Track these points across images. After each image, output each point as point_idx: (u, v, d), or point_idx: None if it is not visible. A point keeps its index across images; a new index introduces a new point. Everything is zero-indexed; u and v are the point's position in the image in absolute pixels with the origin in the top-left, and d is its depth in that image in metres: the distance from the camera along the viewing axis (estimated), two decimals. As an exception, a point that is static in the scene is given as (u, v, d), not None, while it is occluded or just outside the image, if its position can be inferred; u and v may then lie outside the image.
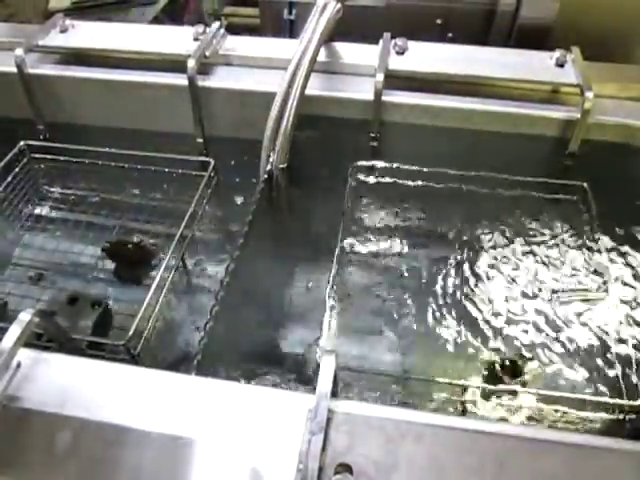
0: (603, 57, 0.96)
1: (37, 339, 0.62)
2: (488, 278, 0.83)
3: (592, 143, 0.90)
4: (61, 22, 1.01)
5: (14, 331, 0.51)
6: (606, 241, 0.85)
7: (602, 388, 0.71)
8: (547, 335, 0.76)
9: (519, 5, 1.20)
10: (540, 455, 0.47)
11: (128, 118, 1.02)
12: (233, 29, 1.04)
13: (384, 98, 0.90)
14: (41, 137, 1.03)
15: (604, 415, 0.66)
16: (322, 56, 0.96)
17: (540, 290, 0.81)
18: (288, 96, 0.84)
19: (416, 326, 0.78)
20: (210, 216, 0.91)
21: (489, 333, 0.77)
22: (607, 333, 0.75)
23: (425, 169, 0.91)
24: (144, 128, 1.02)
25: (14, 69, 0.96)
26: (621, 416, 0.65)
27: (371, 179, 0.94)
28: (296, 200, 0.95)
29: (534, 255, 0.86)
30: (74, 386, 0.52)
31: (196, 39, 0.97)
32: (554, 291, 0.81)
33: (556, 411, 0.67)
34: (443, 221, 0.91)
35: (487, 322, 0.78)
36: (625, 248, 0.85)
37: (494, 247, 0.87)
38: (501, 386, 0.69)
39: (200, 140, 0.99)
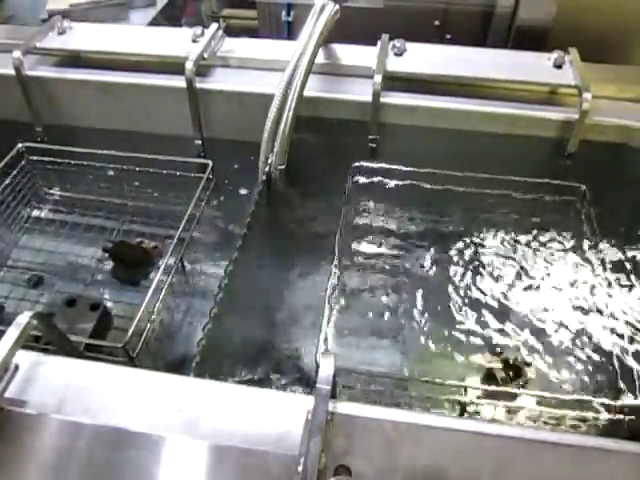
0: (601, 58, 0.96)
1: (35, 341, 0.62)
2: (487, 279, 0.83)
3: (590, 144, 0.90)
4: (59, 24, 1.01)
5: (12, 333, 0.51)
6: (604, 241, 0.85)
7: (601, 388, 0.71)
8: (547, 336, 0.76)
9: (517, 6, 1.20)
10: (540, 456, 0.47)
11: (126, 120, 1.02)
12: (231, 31, 1.05)
13: (382, 99, 0.90)
14: (39, 139, 1.02)
15: (603, 416, 0.66)
16: (320, 57, 0.96)
17: (539, 291, 0.82)
18: (286, 97, 0.84)
19: (416, 327, 0.78)
20: (208, 217, 0.91)
21: (489, 334, 0.77)
22: (606, 334, 0.75)
23: (423, 170, 0.91)
24: (142, 130, 1.02)
25: (12, 71, 0.96)
26: (620, 417, 0.65)
27: (370, 180, 0.94)
28: (295, 201, 0.95)
29: (533, 256, 0.86)
30: (72, 388, 0.52)
31: (194, 41, 0.97)
32: (552, 292, 0.81)
33: (555, 412, 0.67)
34: (442, 222, 0.91)
35: (487, 323, 0.78)
36: (623, 248, 0.85)
37: (493, 248, 0.87)
38: (501, 387, 0.69)
39: (198, 142, 0.99)
